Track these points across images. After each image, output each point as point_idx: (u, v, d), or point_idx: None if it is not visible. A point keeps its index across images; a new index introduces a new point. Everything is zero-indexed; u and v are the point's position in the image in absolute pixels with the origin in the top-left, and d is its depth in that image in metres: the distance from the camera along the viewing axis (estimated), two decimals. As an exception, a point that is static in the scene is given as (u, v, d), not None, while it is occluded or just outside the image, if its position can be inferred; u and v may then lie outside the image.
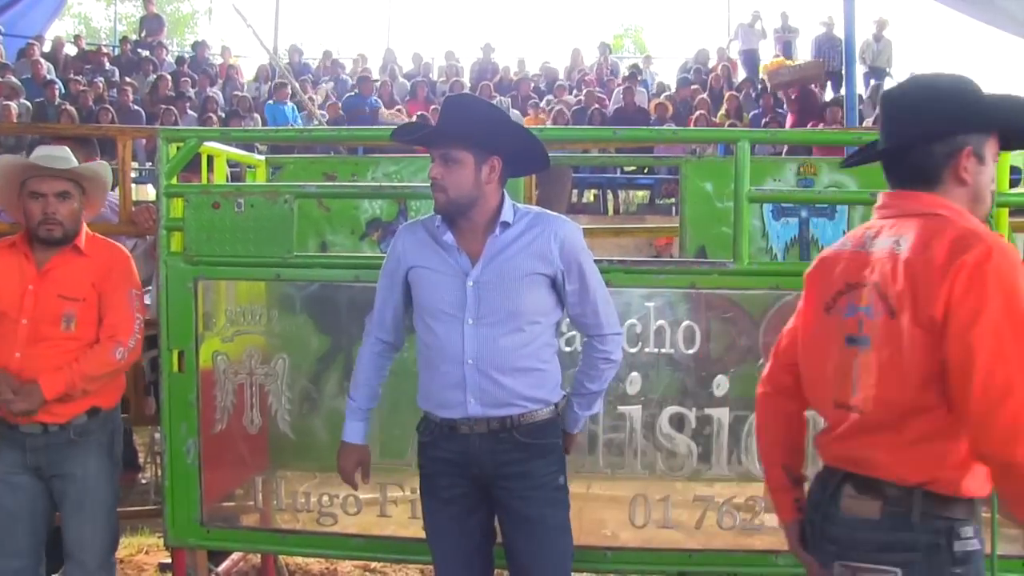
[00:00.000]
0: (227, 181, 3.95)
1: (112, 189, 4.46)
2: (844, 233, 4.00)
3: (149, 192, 14.01)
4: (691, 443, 3.09)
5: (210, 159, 3.78)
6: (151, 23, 17.00)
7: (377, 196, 3.87)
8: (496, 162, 2.48)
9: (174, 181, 3.31)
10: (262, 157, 4.14)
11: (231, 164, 4.31)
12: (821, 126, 10.50)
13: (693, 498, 3.13)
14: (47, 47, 15.35)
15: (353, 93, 12.75)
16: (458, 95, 2.65)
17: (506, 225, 2.50)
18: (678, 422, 3.10)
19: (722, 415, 3.07)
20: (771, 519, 3.11)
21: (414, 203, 4.08)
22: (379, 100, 12.54)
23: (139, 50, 16.21)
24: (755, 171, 3.77)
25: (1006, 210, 3.21)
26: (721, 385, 3.07)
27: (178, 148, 3.31)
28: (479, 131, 2.42)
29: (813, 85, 12.22)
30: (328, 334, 3.35)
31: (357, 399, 2.72)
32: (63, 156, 3.16)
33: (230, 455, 3.33)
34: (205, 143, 3.52)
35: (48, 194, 3.09)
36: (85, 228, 3.24)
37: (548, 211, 2.63)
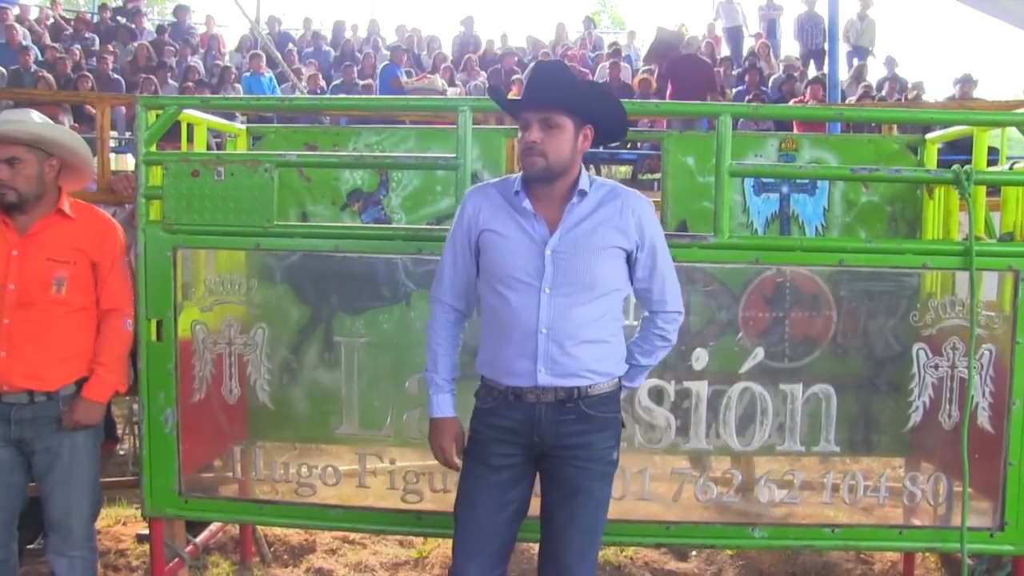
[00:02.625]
0: (207, 150, 3.91)
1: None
2: (824, 209, 4.06)
3: (129, 162, 13.89)
4: (670, 416, 3.12)
5: (190, 128, 3.74)
6: (131, -10, 16.61)
7: (358, 166, 3.84)
8: (589, 131, 2.52)
9: (153, 149, 3.27)
10: (243, 126, 4.09)
11: (212, 133, 4.27)
12: (812, 102, 10.48)
13: (671, 471, 3.16)
14: (33, 14, 15.11)
15: (386, 63, 12.60)
16: (550, 62, 2.65)
17: (583, 194, 2.51)
18: (657, 395, 3.12)
19: (700, 388, 3.10)
20: (747, 490, 3.16)
21: (396, 173, 4.06)
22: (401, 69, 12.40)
23: (119, 18, 15.95)
24: (737, 146, 3.77)
25: (983, 188, 3.24)
26: (700, 358, 3.10)
27: (157, 116, 3.27)
28: (580, 98, 2.46)
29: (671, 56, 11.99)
30: (308, 304, 3.35)
31: (440, 371, 2.64)
32: (14, 119, 3.11)
33: (208, 425, 3.33)
34: (185, 111, 3.48)
35: None
36: (65, 194, 3.20)
37: (622, 185, 2.64)
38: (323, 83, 12.77)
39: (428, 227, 3.55)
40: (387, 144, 4.11)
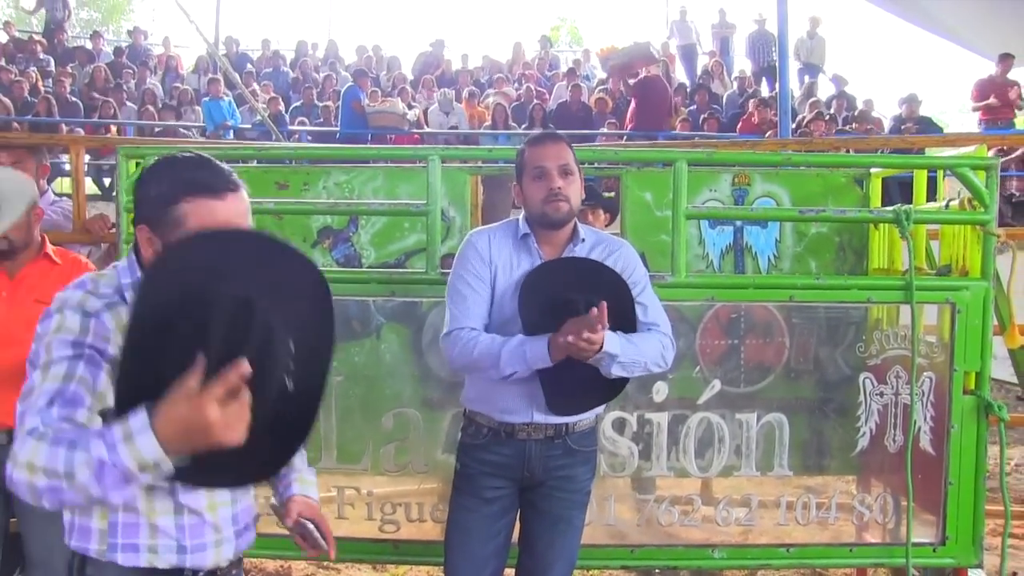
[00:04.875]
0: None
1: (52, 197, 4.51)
2: (776, 240, 4.27)
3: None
4: (632, 445, 3.28)
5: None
6: (55, 3, 16.14)
7: (333, 212, 3.99)
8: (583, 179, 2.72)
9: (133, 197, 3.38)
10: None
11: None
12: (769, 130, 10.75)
13: (634, 496, 3.33)
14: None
15: (349, 84, 12.68)
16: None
17: (582, 240, 2.68)
18: (620, 425, 3.29)
19: (661, 419, 3.27)
20: (707, 513, 3.33)
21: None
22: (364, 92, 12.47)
23: (74, 40, 15.87)
24: (693, 181, 3.98)
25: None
26: (660, 391, 3.27)
27: (137, 164, 3.38)
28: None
29: (646, 69, 12.21)
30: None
31: (512, 339, 2.54)
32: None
33: (190, 462, 3.42)
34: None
35: None
36: (46, 238, 3.31)
37: (604, 232, 2.83)
38: (282, 106, 12.81)
39: (400, 271, 3.69)
40: (356, 183, 4.26)
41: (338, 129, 12.26)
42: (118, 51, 15.79)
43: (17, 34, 16.22)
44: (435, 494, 3.33)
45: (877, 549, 3.37)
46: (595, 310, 2.37)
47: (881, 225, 4.03)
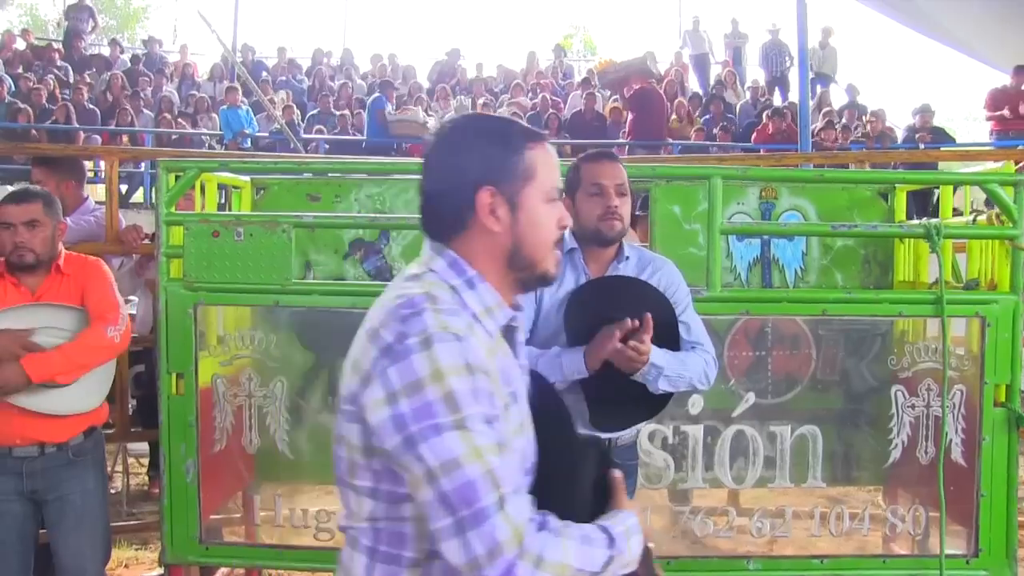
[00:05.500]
0: (217, 202, 4.07)
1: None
2: (803, 253, 4.31)
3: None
4: (667, 457, 3.32)
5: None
6: (80, 13, 16.36)
7: (371, 226, 4.03)
8: None
9: (173, 210, 3.44)
10: (247, 178, 4.25)
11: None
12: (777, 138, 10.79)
13: (670, 508, 3.37)
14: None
15: (376, 95, 12.77)
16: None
17: (626, 257, 2.73)
18: (655, 438, 3.33)
19: (696, 431, 3.31)
20: (741, 524, 3.37)
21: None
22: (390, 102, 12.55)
23: (91, 47, 15.99)
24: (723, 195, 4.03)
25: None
26: (695, 403, 3.31)
27: (177, 177, 3.44)
28: None
29: (643, 82, 12.28)
30: (324, 359, 3.49)
31: (549, 351, 2.60)
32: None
33: (228, 474, 3.48)
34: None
35: (17, 223, 3.20)
36: (63, 249, 3.38)
37: (647, 250, 2.87)
38: (297, 114, 12.89)
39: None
40: (388, 195, 4.30)
41: (354, 138, 12.34)
42: (135, 59, 15.88)
43: (35, 41, 16.33)
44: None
45: (910, 561, 3.39)
46: (637, 321, 2.43)
47: (907, 238, 4.06)
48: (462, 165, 1.51)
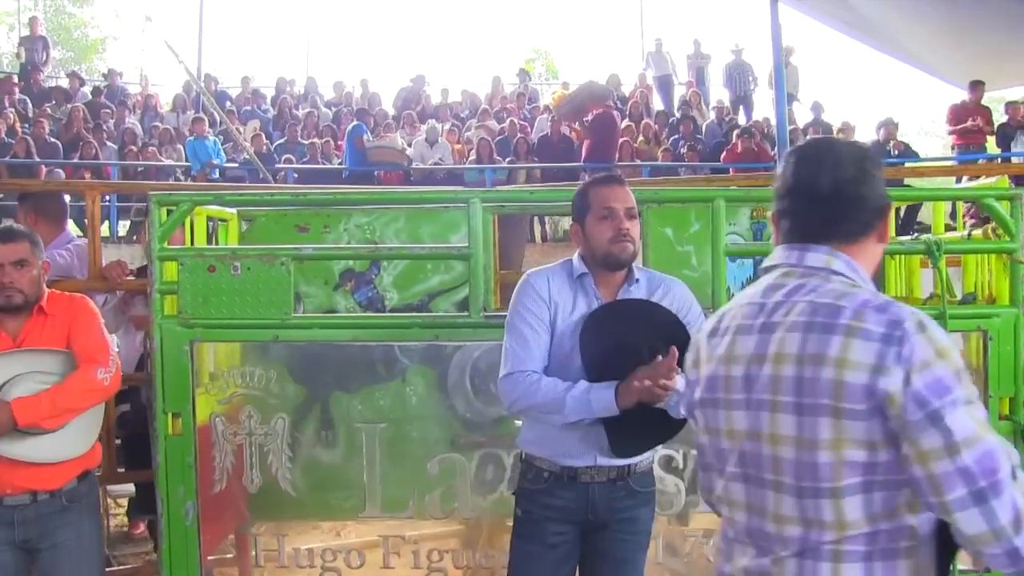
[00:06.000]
0: (207, 233, 3.99)
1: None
2: (796, 272, 4.30)
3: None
4: (679, 482, 3.29)
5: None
6: (34, 44, 16.22)
7: (374, 257, 3.98)
8: None
9: (166, 245, 3.36)
10: (233, 210, 4.18)
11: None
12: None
13: (682, 533, 3.33)
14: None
15: (355, 123, 12.63)
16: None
17: (636, 280, 2.70)
18: (667, 463, 3.29)
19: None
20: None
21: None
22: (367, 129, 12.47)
23: (50, 80, 15.75)
24: (710, 215, 4.03)
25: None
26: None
27: (169, 212, 3.36)
28: None
29: (602, 107, 12.42)
30: (328, 393, 3.42)
31: (576, 386, 2.54)
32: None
33: (229, 514, 3.39)
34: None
35: (5, 263, 3.08)
36: (46, 289, 3.25)
37: (656, 271, 2.84)
38: (266, 143, 12.78)
39: (444, 315, 3.68)
40: (377, 224, 4.26)
41: (329, 167, 12.27)
42: (96, 91, 15.65)
43: (-8, 75, 16.07)
44: (482, 540, 3.31)
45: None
46: (666, 354, 2.40)
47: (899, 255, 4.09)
48: (878, 187, 1.69)
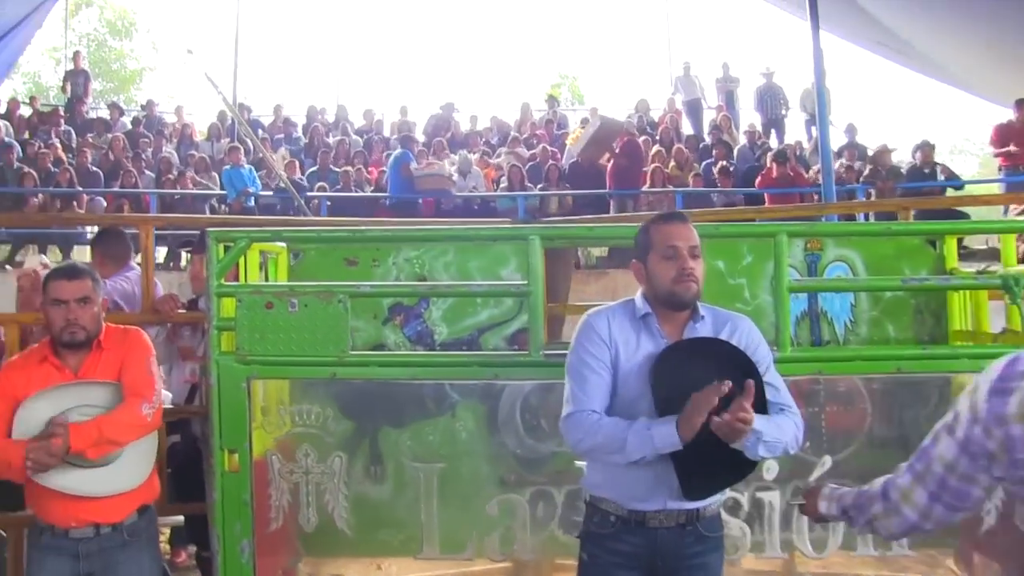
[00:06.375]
0: (260, 268, 3.97)
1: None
2: (851, 304, 4.23)
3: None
4: (744, 526, 3.21)
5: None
6: (77, 77, 16.59)
7: (431, 295, 3.95)
8: None
9: (223, 281, 3.35)
10: (283, 244, 4.16)
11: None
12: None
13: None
14: (1, 108, 15.06)
15: (399, 150, 12.62)
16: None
17: (701, 317, 2.64)
18: (731, 506, 3.22)
19: (773, 497, 3.20)
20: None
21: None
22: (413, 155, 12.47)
23: (91, 111, 16.02)
24: (765, 249, 3.97)
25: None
26: (771, 468, 3.20)
27: (226, 248, 3.35)
28: None
29: (620, 139, 12.38)
30: (378, 428, 3.39)
31: (637, 422, 2.49)
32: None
33: (284, 552, 3.35)
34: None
35: (69, 300, 3.12)
36: (104, 323, 3.27)
37: (720, 308, 2.77)
38: (299, 171, 12.86)
39: (503, 352, 3.64)
40: (426, 258, 4.23)
41: (357, 194, 12.31)
42: (135, 121, 15.88)
43: (40, 107, 16.36)
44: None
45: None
46: (732, 385, 2.35)
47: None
48: None
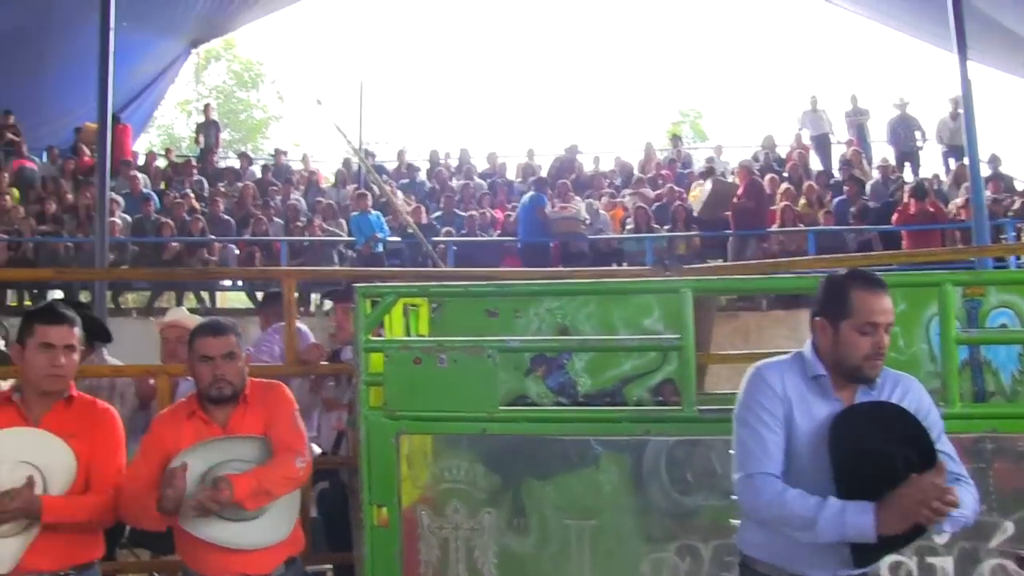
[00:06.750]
0: (403, 321, 4.02)
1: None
2: (1019, 355, 3.98)
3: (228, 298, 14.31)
4: (911, 590, 3.03)
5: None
6: (208, 129, 17.36)
7: (581, 350, 3.92)
8: None
9: (372, 337, 3.40)
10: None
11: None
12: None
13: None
14: (140, 160, 15.91)
15: (532, 192, 12.68)
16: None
17: (873, 381, 2.53)
18: (897, 570, 3.04)
19: (946, 564, 3.01)
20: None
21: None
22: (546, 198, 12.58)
23: (222, 160, 16.75)
24: (921, 296, 3.79)
25: None
26: (942, 533, 3.01)
27: (373, 303, 3.41)
28: None
29: (748, 176, 12.19)
30: (523, 482, 3.36)
31: (828, 505, 2.36)
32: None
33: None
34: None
35: (216, 356, 3.18)
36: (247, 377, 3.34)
37: (888, 368, 2.62)
38: (425, 216, 13.06)
39: (656, 408, 3.58)
40: (568, 308, 4.20)
41: (484, 238, 12.44)
42: (265, 169, 16.47)
43: (175, 159, 17.22)
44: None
45: None
46: (920, 467, 2.24)
47: None
48: None
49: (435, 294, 3.88)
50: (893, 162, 14.22)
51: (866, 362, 2.46)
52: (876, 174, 13.95)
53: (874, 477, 2.32)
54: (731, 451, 2.58)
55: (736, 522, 2.89)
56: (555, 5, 50.78)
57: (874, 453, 2.34)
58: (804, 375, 2.55)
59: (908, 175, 14.09)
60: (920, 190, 11.25)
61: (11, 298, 12.49)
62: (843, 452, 2.40)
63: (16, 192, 13.62)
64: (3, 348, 8.27)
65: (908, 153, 14.41)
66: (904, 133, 14.39)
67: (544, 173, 15.20)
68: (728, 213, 11.96)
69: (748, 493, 2.47)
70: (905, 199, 11.48)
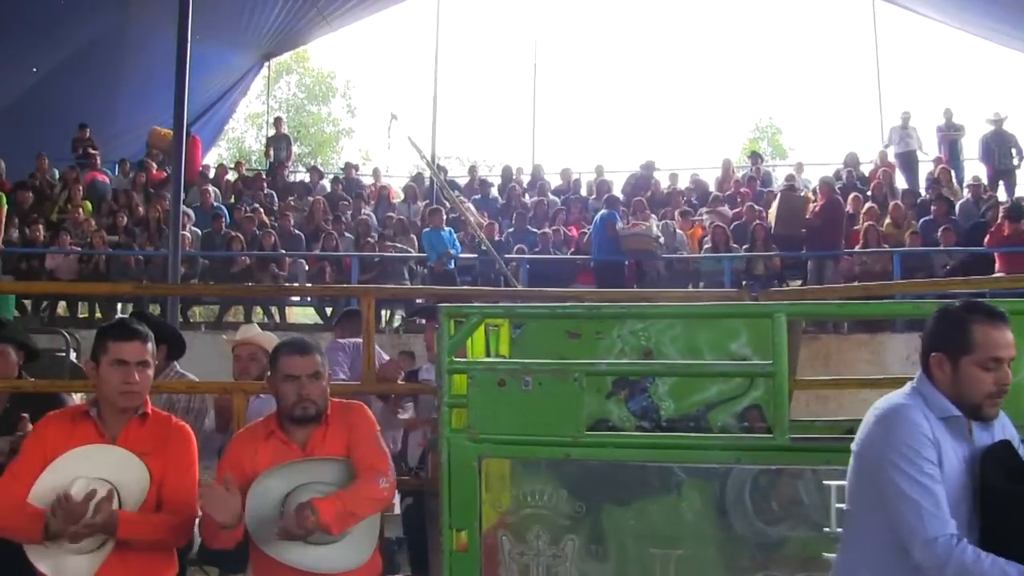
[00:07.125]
0: (484, 340, 3.95)
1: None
2: None
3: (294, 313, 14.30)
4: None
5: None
6: (279, 142, 17.47)
7: (668, 374, 3.82)
8: None
9: (455, 358, 3.33)
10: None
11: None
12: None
13: None
14: (210, 174, 16.16)
15: (604, 210, 12.59)
16: None
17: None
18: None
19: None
20: None
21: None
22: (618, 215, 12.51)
23: (293, 174, 16.93)
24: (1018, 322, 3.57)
25: None
26: None
27: (458, 323, 3.34)
28: None
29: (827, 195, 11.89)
30: (604, 508, 3.24)
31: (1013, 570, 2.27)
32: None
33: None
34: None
35: (302, 376, 3.14)
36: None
37: None
38: (497, 232, 12.99)
39: (746, 436, 3.45)
40: (652, 330, 4.07)
41: (557, 256, 12.34)
42: (335, 182, 16.56)
43: (245, 172, 17.46)
44: None
45: None
46: None
47: None
48: None
49: (521, 315, 3.80)
50: (985, 181, 13.65)
51: (987, 400, 2.34)
52: (966, 193, 13.44)
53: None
54: (889, 505, 2.38)
55: (829, 556, 2.75)
56: (631, 19, 50.48)
57: (1007, 495, 2.27)
58: (933, 414, 2.40)
59: (1002, 194, 13.53)
60: (1016, 210, 10.79)
61: (82, 310, 12.76)
62: (992, 495, 2.32)
63: (88, 205, 13.93)
64: (74, 360, 8.48)
65: (1003, 171, 13.81)
66: (999, 150, 13.79)
67: (618, 189, 15.06)
68: (803, 230, 11.69)
69: (935, 557, 2.28)
70: (999, 220, 11.02)
